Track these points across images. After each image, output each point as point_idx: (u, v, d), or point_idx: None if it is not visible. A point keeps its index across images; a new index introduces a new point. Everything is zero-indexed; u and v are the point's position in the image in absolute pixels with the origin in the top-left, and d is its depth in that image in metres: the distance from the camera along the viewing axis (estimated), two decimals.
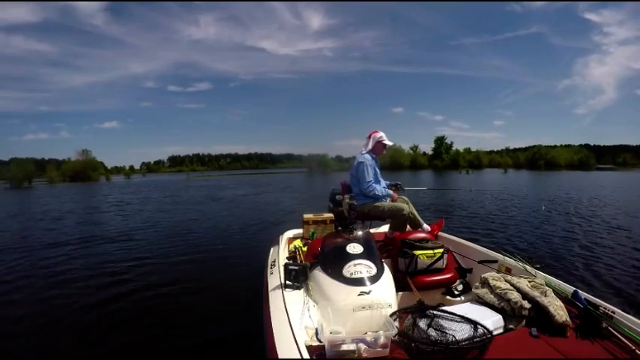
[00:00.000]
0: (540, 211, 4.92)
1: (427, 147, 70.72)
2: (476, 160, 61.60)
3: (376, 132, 3.08)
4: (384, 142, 3.06)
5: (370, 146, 3.07)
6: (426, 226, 2.91)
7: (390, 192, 3.00)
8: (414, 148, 69.94)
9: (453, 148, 66.73)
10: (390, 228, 2.92)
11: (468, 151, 67.68)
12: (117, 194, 20.80)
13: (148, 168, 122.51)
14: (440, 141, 67.44)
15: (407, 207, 2.86)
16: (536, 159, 60.00)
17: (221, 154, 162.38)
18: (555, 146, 70.86)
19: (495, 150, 78.68)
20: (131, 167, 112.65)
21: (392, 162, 59.17)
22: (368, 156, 3.01)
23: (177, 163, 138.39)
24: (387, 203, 2.94)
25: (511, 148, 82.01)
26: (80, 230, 8.21)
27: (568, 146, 72.24)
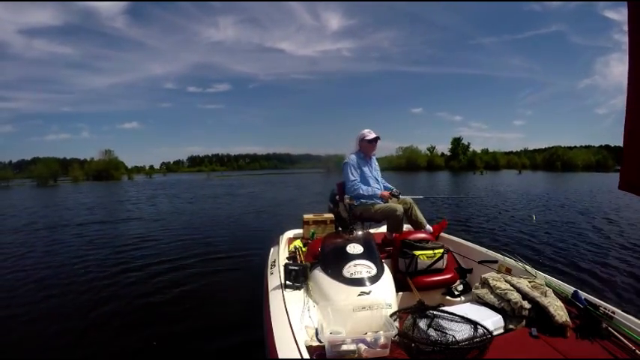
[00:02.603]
0: (531, 220, 4.99)
1: (445, 148, 70.64)
2: (493, 161, 61.33)
3: (361, 132, 3.06)
4: (366, 137, 2.99)
5: (356, 147, 3.06)
6: (428, 227, 2.88)
7: (378, 192, 2.90)
8: (431, 148, 69.58)
9: (470, 149, 66.37)
10: (387, 229, 2.90)
11: (485, 152, 67.32)
12: (144, 191, 22.80)
13: (168, 168, 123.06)
14: (457, 142, 66.95)
15: (401, 207, 2.76)
16: (553, 160, 59.57)
17: (240, 155, 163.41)
18: (575, 147, 69.29)
19: (514, 151, 77.82)
20: (151, 167, 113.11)
21: (408, 163, 59.09)
22: (353, 156, 2.99)
23: (196, 163, 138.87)
24: (379, 205, 2.86)
25: (531, 148, 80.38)
26: (106, 218, 9.84)
27: (588, 147, 70.22)
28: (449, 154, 67.48)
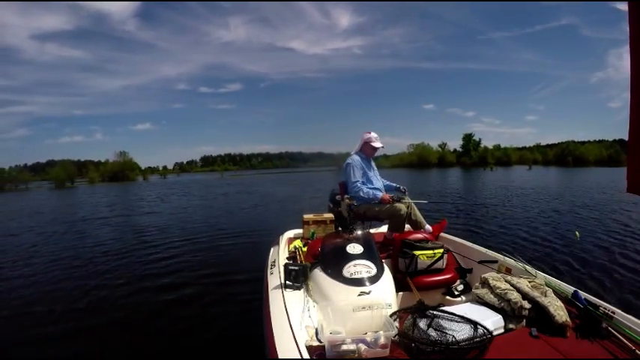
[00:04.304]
0: (575, 237, 5.02)
1: (458, 144, 69.51)
2: (504, 157, 60.70)
3: (367, 133, 3.06)
4: (372, 144, 3.02)
5: (358, 147, 3.07)
6: (428, 227, 2.89)
7: (379, 194, 2.88)
8: (443, 145, 68.49)
9: (482, 145, 65.74)
10: (389, 229, 2.91)
11: (497, 147, 66.58)
12: (160, 190, 24.07)
13: (181, 168, 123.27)
14: (468, 138, 66.31)
15: (404, 207, 2.81)
16: (564, 155, 58.43)
17: (252, 154, 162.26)
18: (588, 141, 67.55)
19: (527, 146, 75.43)
20: (164, 167, 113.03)
21: (420, 160, 58.76)
22: (356, 157, 3.00)
23: (209, 162, 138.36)
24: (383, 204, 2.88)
25: (544, 143, 77.95)
26: (125, 215, 11.22)
27: (601, 141, 67.74)
28: (460, 150, 66.67)
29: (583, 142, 66.00)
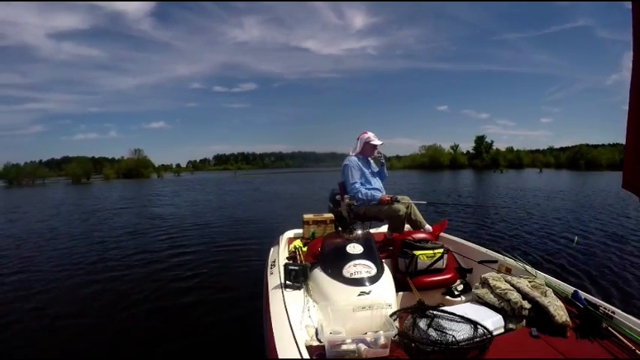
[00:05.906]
0: (573, 242, 5.02)
1: (470, 146, 69.15)
2: (516, 160, 60.45)
3: (365, 133, 3.06)
4: (372, 142, 3.03)
5: (359, 148, 3.07)
6: (428, 227, 2.89)
7: (378, 195, 2.90)
8: (455, 147, 68.37)
9: (494, 147, 65.35)
10: (388, 229, 2.91)
11: (509, 150, 66.29)
12: (175, 187, 25.11)
13: (194, 166, 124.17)
14: (480, 140, 66.08)
15: (403, 208, 2.81)
16: (577, 158, 57.49)
17: (265, 153, 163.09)
18: (603, 145, 66.48)
19: (540, 149, 74.77)
20: (178, 165, 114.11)
21: (431, 161, 58.67)
22: (354, 158, 3.01)
23: (222, 161, 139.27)
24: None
25: (558, 146, 76.24)
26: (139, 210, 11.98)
27: (615, 145, 65.57)
28: (472, 152, 66.38)
29: (596, 146, 64.95)
